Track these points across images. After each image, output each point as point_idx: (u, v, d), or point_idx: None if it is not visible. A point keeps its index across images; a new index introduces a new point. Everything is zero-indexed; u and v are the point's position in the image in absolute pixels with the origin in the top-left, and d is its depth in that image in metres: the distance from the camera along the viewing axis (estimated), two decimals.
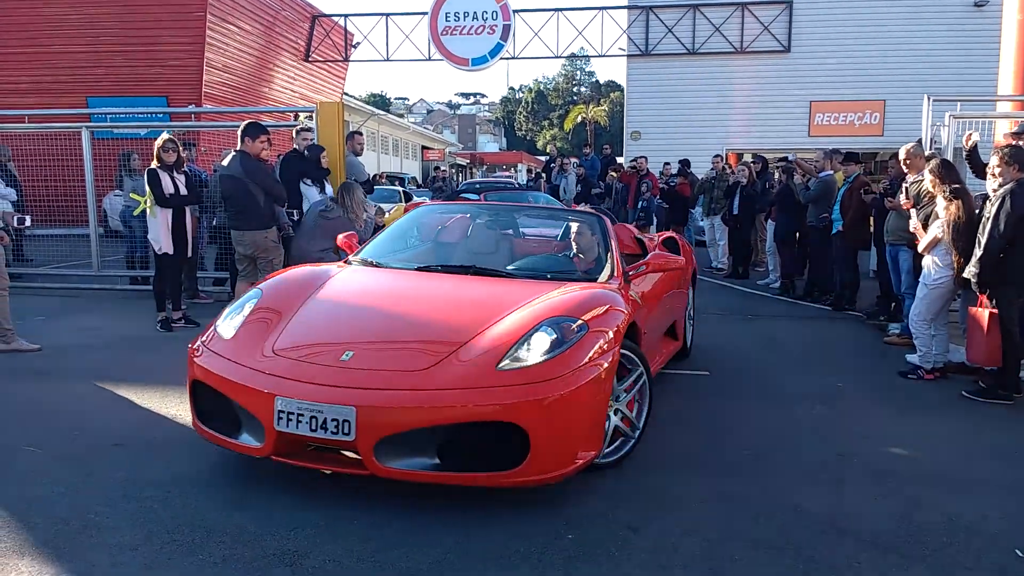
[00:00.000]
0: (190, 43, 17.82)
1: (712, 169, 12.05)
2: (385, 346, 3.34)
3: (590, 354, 3.20)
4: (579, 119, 55.20)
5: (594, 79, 70.81)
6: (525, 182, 16.48)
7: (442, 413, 2.95)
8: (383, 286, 4.09)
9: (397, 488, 3.23)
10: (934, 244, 5.49)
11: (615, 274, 4.23)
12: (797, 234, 9.38)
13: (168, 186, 6.55)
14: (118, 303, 8.30)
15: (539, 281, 4.01)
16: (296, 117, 9.48)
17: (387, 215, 15.32)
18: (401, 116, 60.36)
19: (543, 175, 17.39)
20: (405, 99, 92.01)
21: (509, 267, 4.37)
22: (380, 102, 68.72)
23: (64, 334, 6.57)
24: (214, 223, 8.27)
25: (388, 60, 21.50)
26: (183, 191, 6.67)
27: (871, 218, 7.82)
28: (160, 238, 6.60)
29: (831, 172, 8.68)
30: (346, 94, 28.23)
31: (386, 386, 3.02)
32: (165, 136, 6.66)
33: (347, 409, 2.93)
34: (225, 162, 6.64)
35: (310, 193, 7.19)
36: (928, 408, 4.94)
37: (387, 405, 2.96)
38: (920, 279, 5.69)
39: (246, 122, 6.54)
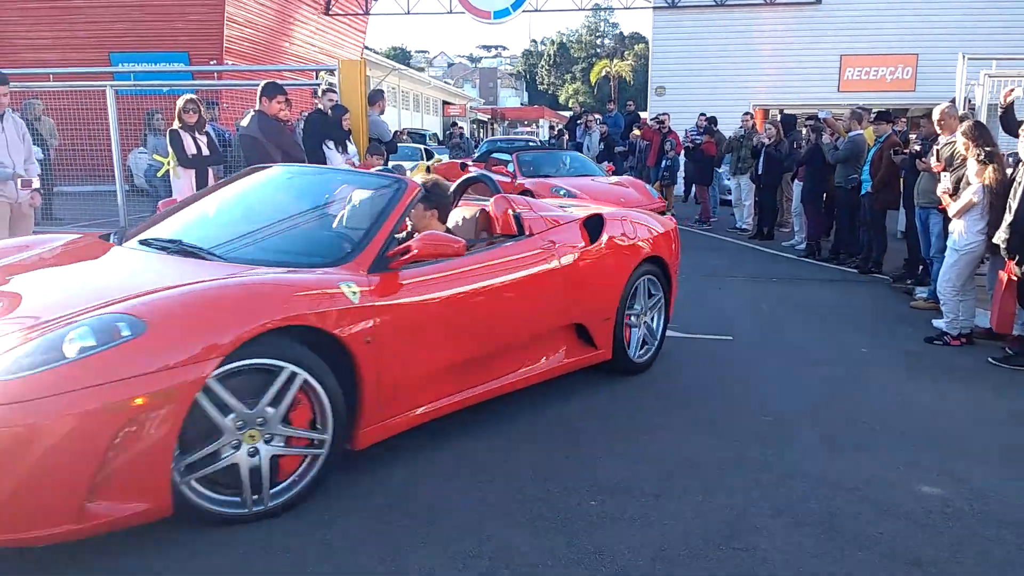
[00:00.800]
0: None
1: (741, 127, 11.85)
2: None
3: (121, 373, 2.34)
4: (603, 74, 54.33)
5: (618, 31, 69.49)
6: (547, 139, 16.22)
7: None
8: (39, 264, 3.40)
9: (423, 445, 3.31)
10: (967, 209, 5.39)
11: (355, 259, 3.14)
12: (824, 195, 9.25)
13: (190, 147, 6.58)
14: None
15: (241, 265, 3.08)
16: (317, 76, 9.42)
17: (408, 174, 15.32)
18: (422, 70, 59.76)
19: (566, 132, 17.17)
20: (425, 52, 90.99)
21: (226, 248, 3.32)
22: (400, 55, 68.01)
23: None
24: None
25: (409, 14, 21.20)
26: (205, 151, 6.70)
27: (901, 179, 7.68)
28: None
29: (861, 131, 8.51)
30: (367, 47, 27.96)
31: None
32: (187, 97, 6.67)
33: None
34: (244, 122, 6.65)
35: (332, 156, 7.18)
36: (954, 374, 4.91)
37: None
38: (949, 244, 5.61)
39: (264, 82, 6.52)
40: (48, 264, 3.42)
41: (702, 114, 13.31)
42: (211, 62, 17.94)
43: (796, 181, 9.84)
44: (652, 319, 4.75)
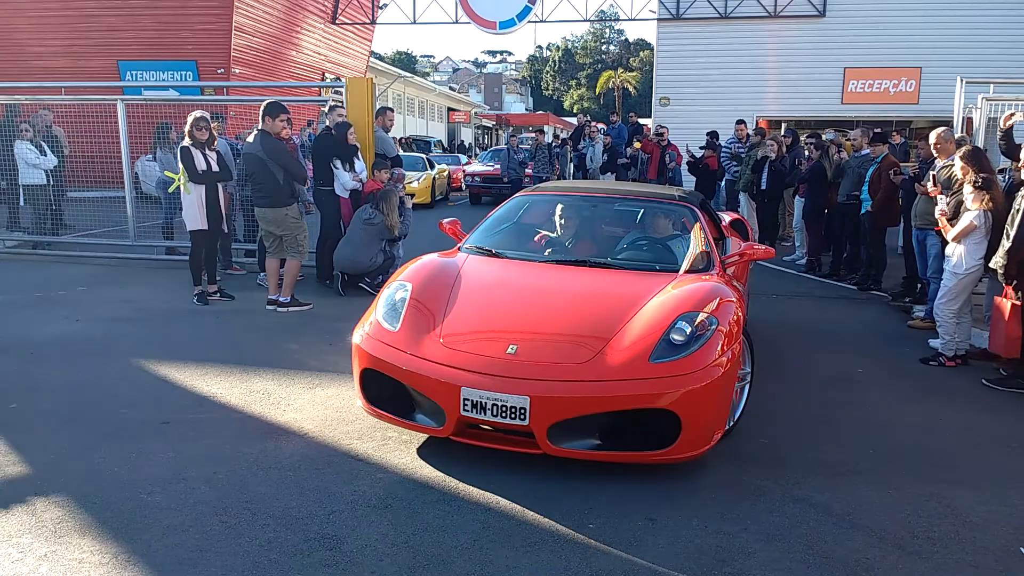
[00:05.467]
0: (218, 7, 17.86)
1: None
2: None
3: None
4: (608, 84, 54.48)
5: (623, 37, 69.66)
6: (553, 146, 16.27)
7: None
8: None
9: (430, 477, 3.42)
10: (967, 232, 5.42)
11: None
12: (825, 211, 9.35)
13: (200, 163, 6.70)
14: (155, 273, 8.55)
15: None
16: (322, 93, 9.52)
17: (413, 184, 15.28)
18: (427, 75, 59.91)
19: (570, 141, 17.27)
20: (431, 56, 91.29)
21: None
22: (406, 60, 68.23)
23: (105, 306, 6.82)
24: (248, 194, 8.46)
25: (415, 23, 21.35)
26: (215, 168, 6.83)
27: (899, 199, 7.78)
28: (195, 215, 6.77)
29: (869, 151, 8.61)
30: (373, 52, 28.11)
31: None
32: (197, 114, 6.79)
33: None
34: (249, 139, 6.79)
35: (340, 174, 7.31)
36: (948, 396, 5.00)
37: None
38: (946, 267, 5.69)
39: (267, 101, 6.64)
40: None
41: (709, 133, 13.40)
42: (219, 71, 18.13)
43: (797, 197, 9.94)
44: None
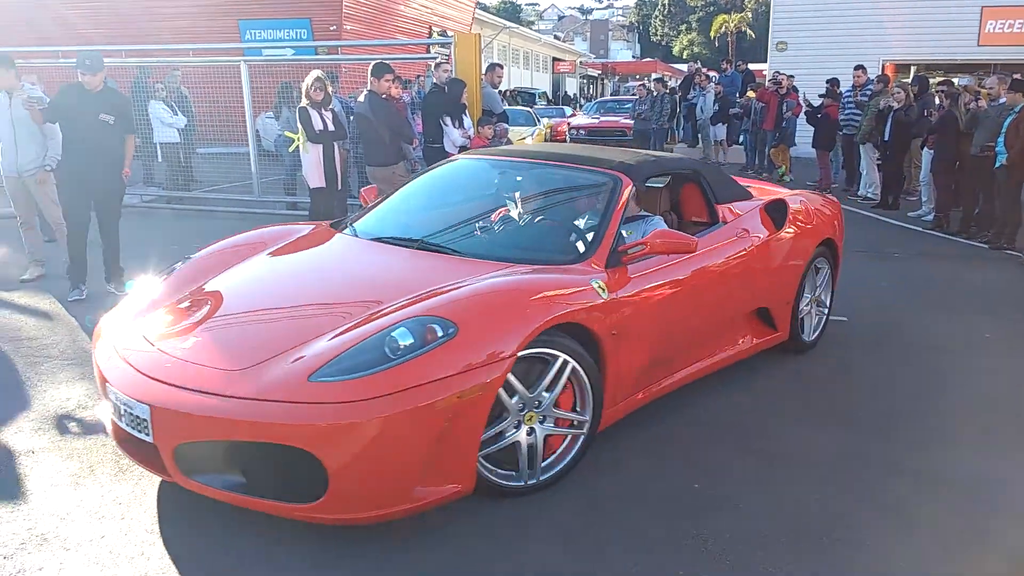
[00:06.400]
0: None
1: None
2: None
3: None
4: (721, 29, 52.16)
5: None
6: (653, 97, 15.63)
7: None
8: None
9: None
10: None
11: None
12: (956, 164, 8.76)
13: (317, 123, 6.95)
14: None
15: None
16: (429, 50, 9.63)
17: (526, 140, 15.09)
18: (531, 24, 59.16)
19: (678, 91, 16.70)
20: (536, 4, 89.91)
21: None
22: (511, 10, 67.47)
23: None
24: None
25: None
26: (331, 127, 7.08)
27: None
28: (312, 173, 7.07)
29: (1006, 99, 7.98)
30: (479, 3, 28.00)
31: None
32: (314, 75, 7.03)
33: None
34: (360, 98, 7.01)
35: (449, 131, 7.43)
36: None
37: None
38: None
39: (374, 62, 6.82)
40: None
41: (828, 80, 12.67)
42: (331, 28, 18.58)
43: (925, 148, 9.34)
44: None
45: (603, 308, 3.16)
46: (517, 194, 3.98)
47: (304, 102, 6.97)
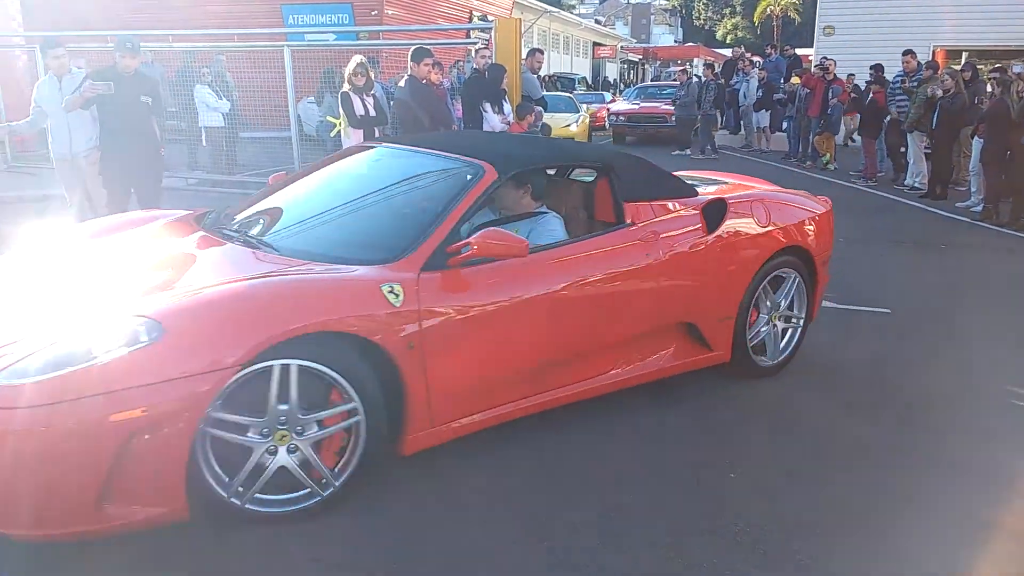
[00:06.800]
0: None
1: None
2: None
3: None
4: (767, 12, 51.11)
5: None
6: (700, 83, 15.24)
7: None
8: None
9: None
10: None
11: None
12: (1008, 154, 8.51)
13: (359, 108, 7.02)
14: None
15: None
16: (469, 35, 9.65)
17: (571, 128, 14.78)
18: (572, 7, 58.68)
19: (721, 78, 16.36)
20: None
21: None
22: None
23: None
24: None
25: None
26: (372, 112, 7.14)
27: None
28: None
29: None
30: None
31: None
32: (356, 60, 7.09)
33: None
34: (400, 83, 7.08)
35: (489, 116, 7.45)
36: None
37: None
38: None
39: (413, 47, 6.87)
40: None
41: (873, 66, 12.38)
42: (372, 12, 18.65)
43: (976, 137, 9.09)
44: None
45: (394, 317, 2.74)
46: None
47: (346, 87, 7.04)
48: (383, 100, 7.78)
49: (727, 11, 64.93)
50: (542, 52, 8.91)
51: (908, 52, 11.24)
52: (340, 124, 7.11)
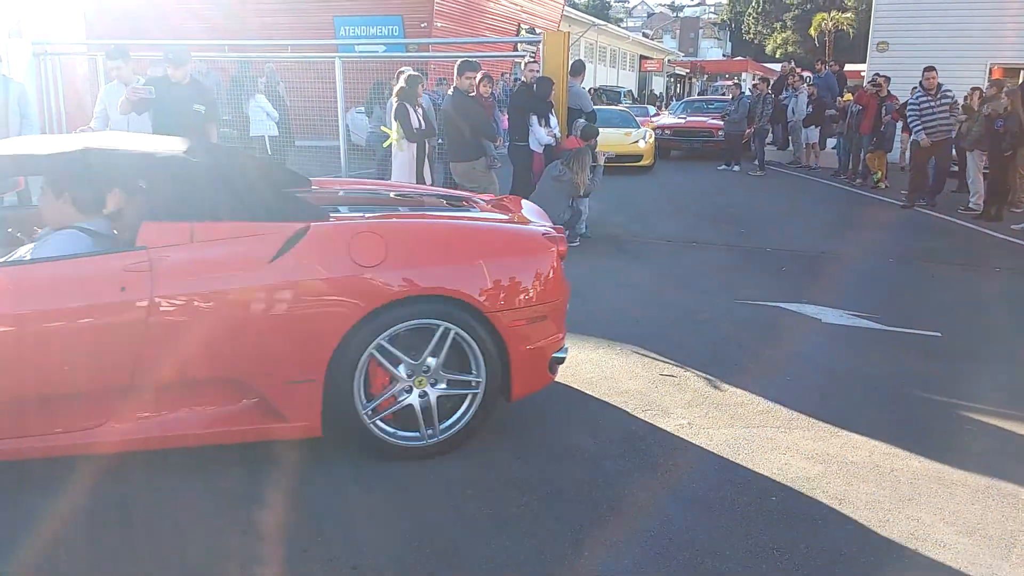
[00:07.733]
0: None
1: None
2: None
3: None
4: (821, 27, 50.43)
5: None
6: (752, 98, 14.95)
7: None
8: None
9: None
10: None
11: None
12: None
13: (415, 121, 7.13)
14: None
15: None
16: (516, 48, 9.75)
17: (639, 144, 14.13)
18: (620, 20, 58.69)
19: (771, 93, 16.11)
20: (625, 1, 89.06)
21: None
22: (599, 6, 67.13)
23: None
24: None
25: None
26: (422, 124, 7.25)
27: None
28: (405, 172, 7.22)
29: None
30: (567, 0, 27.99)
31: None
32: (409, 72, 7.21)
33: None
34: (448, 92, 7.20)
35: (535, 129, 7.51)
36: None
37: None
38: None
39: (460, 60, 7.00)
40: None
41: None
42: (422, 24, 18.93)
43: None
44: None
45: None
46: None
47: (397, 99, 7.16)
48: (431, 111, 7.90)
49: (777, 25, 64.21)
50: (584, 65, 8.92)
51: (930, 68, 10.62)
52: (393, 135, 7.22)
